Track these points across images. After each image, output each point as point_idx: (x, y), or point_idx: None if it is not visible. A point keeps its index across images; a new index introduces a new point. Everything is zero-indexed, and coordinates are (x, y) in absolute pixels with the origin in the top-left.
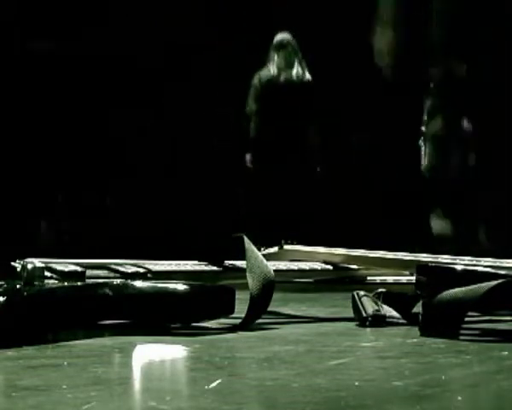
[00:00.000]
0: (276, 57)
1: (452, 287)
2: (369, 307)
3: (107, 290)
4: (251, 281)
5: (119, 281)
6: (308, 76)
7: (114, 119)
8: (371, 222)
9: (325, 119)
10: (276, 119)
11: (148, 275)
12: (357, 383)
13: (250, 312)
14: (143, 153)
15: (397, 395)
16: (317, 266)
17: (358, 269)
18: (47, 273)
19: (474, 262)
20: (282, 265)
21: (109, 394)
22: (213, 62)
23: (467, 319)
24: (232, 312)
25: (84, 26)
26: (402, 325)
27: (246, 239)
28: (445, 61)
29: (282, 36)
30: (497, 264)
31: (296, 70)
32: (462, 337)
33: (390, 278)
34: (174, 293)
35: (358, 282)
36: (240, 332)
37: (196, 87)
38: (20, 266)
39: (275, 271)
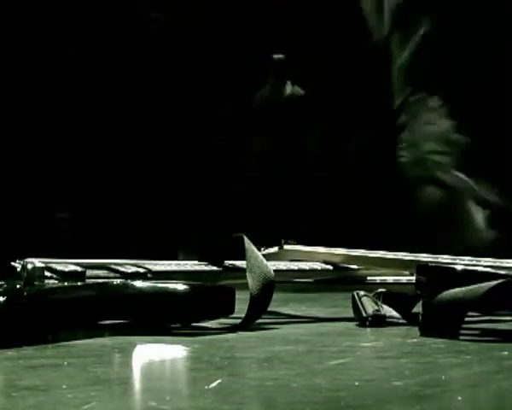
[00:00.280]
0: (271, 78)
1: (452, 287)
2: (369, 307)
3: (107, 290)
4: (251, 281)
5: (119, 281)
6: (301, 91)
7: (114, 119)
8: (371, 222)
9: (324, 124)
10: (275, 133)
11: (148, 275)
12: (357, 383)
13: (250, 312)
14: (143, 153)
15: (397, 395)
16: (317, 266)
17: (358, 269)
18: (47, 273)
19: (474, 262)
20: (282, 265)
21: (109, 394)
22: (213, 62)
23: (467, 319)
24: (232, 312)
25: (84, 26)
26: (402, 325)
27: (246, 239)
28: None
29: (276, 56)
30: (497, 264)
31: (290, 87)
32: (462, 337)
33: (390, 278)
34: (174, 293)
35: (358, 282)
36: (240, 332)
37: (196, 87)
38: (20, 266)
39: (275, 271)
